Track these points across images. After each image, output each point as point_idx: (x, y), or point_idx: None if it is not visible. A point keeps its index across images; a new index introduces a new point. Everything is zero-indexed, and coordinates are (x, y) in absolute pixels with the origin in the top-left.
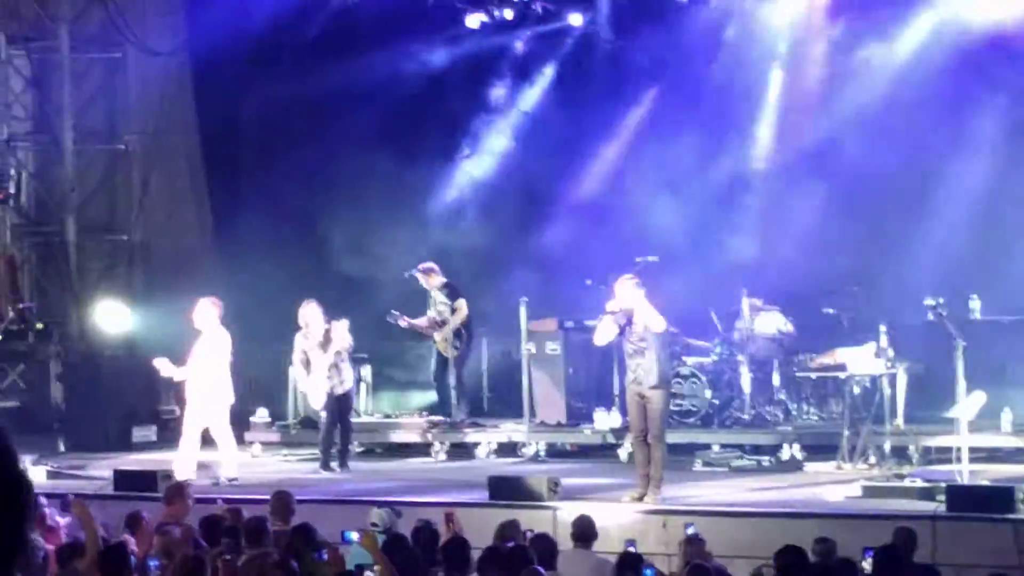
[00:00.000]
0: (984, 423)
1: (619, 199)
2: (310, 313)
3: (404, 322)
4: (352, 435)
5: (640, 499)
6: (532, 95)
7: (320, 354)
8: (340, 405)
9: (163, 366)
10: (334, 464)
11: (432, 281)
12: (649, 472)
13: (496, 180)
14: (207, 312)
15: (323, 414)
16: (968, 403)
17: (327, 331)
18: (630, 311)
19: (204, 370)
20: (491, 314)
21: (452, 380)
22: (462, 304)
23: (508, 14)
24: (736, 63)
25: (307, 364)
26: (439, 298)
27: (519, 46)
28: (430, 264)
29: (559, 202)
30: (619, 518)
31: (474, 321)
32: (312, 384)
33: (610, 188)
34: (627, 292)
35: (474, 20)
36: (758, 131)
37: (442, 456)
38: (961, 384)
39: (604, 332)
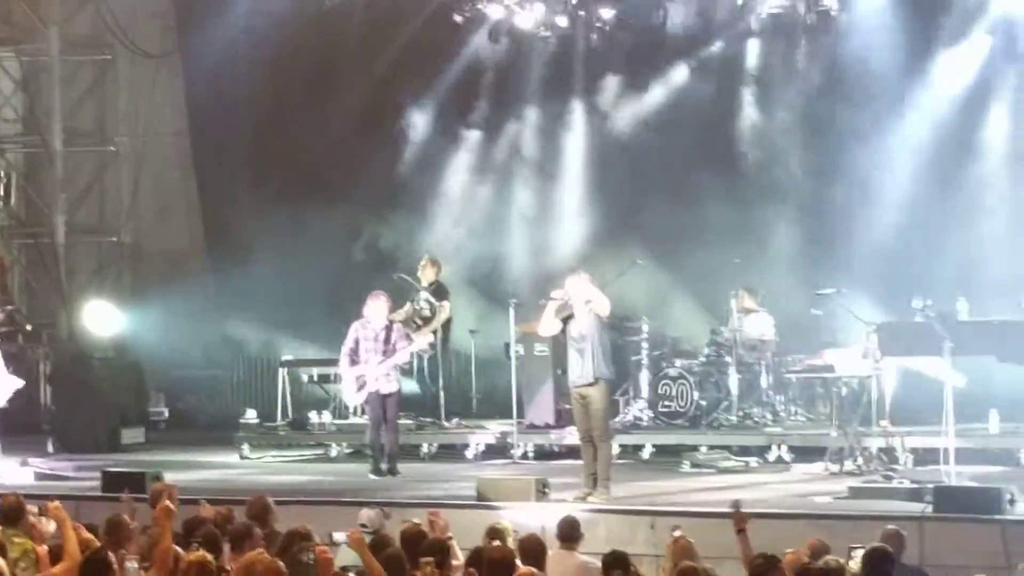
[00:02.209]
0: (971, 425)
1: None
2: (377, 307)
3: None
4: (399, 436)
5: (585, 499)
6: None
7: (373, 348)
8: (385, 404)
9: None
10: (384, 467)
11: (427, 274)
12: (596, 472)
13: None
14: None
15: (366, 414)
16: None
17: (387, 328)
18: (571, 308)
19: None
20: (482, 316)
21: (442, 381)
22: (446, 307)
23: None
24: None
25: (354, 354)
26: (423, 295)
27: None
28: (436, 258)
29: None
30: (607, 519)
31: (455, 323)
32: (352, 377)
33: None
34: (577, 288)
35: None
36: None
37: (430, 457)
38: (949, 386)
39: (547, 323)
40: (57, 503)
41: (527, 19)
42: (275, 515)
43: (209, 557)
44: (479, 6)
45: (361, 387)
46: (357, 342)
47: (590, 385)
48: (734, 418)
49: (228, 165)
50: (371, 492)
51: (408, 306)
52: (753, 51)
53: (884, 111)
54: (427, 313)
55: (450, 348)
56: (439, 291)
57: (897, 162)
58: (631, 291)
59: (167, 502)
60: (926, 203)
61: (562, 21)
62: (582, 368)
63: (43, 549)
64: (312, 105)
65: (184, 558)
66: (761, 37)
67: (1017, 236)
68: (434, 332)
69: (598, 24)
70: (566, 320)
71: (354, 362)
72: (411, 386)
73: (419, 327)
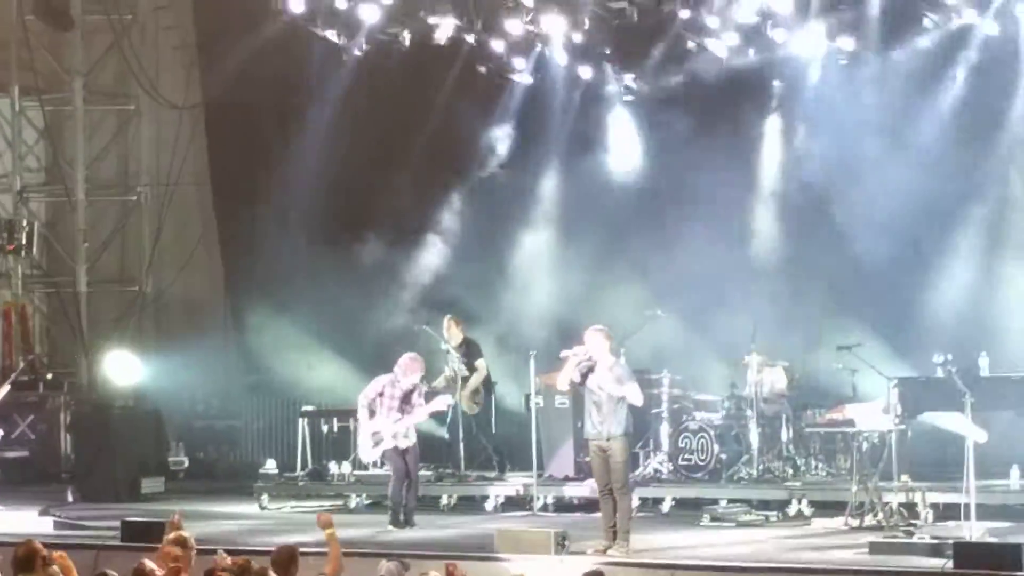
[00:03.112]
0: (992, 481)
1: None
2: (412, 371)
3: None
4: (418, 489)
5: (604, 551)
6: None
7: (395, 407)
8: (406, 459)
9: None
10: (402, 519)
11: (453, 333)
12: (615, 525)
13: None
14: None
15: (388, 467)
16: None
17: (411, 391)
18: (593, 362)
19: None
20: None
21: (469, 433)
22: (482, 365)
23: None
24: None
25: (373, 405)
26: (455, 354)
27: None
28: (458, 317)
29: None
30: (627, 573)
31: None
32: (368, 433)
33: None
34: (595, 343)
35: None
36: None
37: (449, 508)
38: (970, 441)
39: (565, 377)
40: (62, 553)
41: (548, 68)
42: (299, 566)
43: None
44: (501, 57)
45: (377, 443)
46: (380, 395)
47: (611, 439)
48: (754, 472)
49: (250, 215)
50: (390, 544)
51: (447, 370)
52: (778, 94)
53: (911, 164)
54: (466, 373)
55: (491, 404)
56: (471, 350)
57: (920, 217)
58: (651, 343)
59: (172, 547)
60: (948, 258)
61: (585, 72)
62: (601, 422)
63: None
64: (335, 155)
65: None
66: (787, 83)
67: None
68: (476, 391)
69: (622, 72)
70: (585, 374)
71: (372, 414)
72: (429, 430)
73: (460, 383)
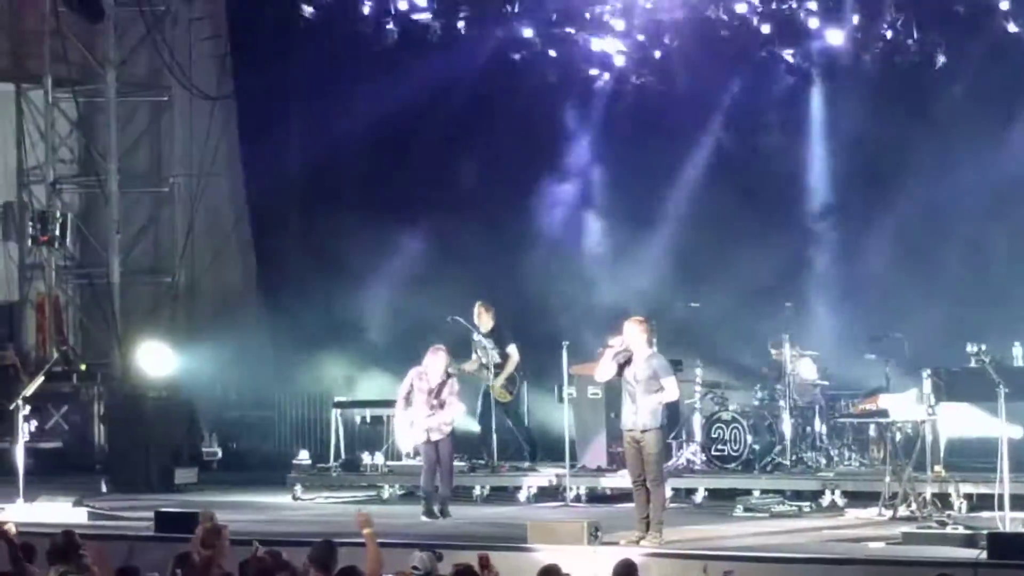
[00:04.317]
0: None
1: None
2: (436, 361)
3: (453, 369)
4: (452, 479)
5: (637, 542)
6: None
7: (424, 401)
8: (439, 449)
9: None
10: (436, 509)
11: (484, 319)
12: (648, 516)
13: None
14: None
15: (420, 458)
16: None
17: (441, 384)
18: (630, 353)
19: None
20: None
21: (501, 423)
22: (514, 351)
23: None
24: None
25: (409, 396)
26: (484, 342)
27: None
28: (488, 303)
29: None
30: (659, 563)
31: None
32: (405, 424)
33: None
34: (633, 334)
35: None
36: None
37: (483, 499)
38: (1004, 431)
39: (604, 369)
40: (95, 544)
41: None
42: (337, 563)
43: None
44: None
45: (412, 432)
46: (412, 388)
47: (645, 431)
48: (787, 462)
49: (282, 206)
50: (423, 534)
51: (475, 357)
52: (817, 96)
53: (944, 157)
54: (498, 359)
55: (523, 393)
56: (502, 336)
57: (952, 209)
58: (685, 334)
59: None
60: (982, 248)
61: (619, 60)
62: (635, 413)
63: None
64: (367, 145)
65: None
66: (822, 82)
67: None
68: (512, 379)
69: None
70: (622, 365)
71: (408, 405)
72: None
73: (497, 374)
